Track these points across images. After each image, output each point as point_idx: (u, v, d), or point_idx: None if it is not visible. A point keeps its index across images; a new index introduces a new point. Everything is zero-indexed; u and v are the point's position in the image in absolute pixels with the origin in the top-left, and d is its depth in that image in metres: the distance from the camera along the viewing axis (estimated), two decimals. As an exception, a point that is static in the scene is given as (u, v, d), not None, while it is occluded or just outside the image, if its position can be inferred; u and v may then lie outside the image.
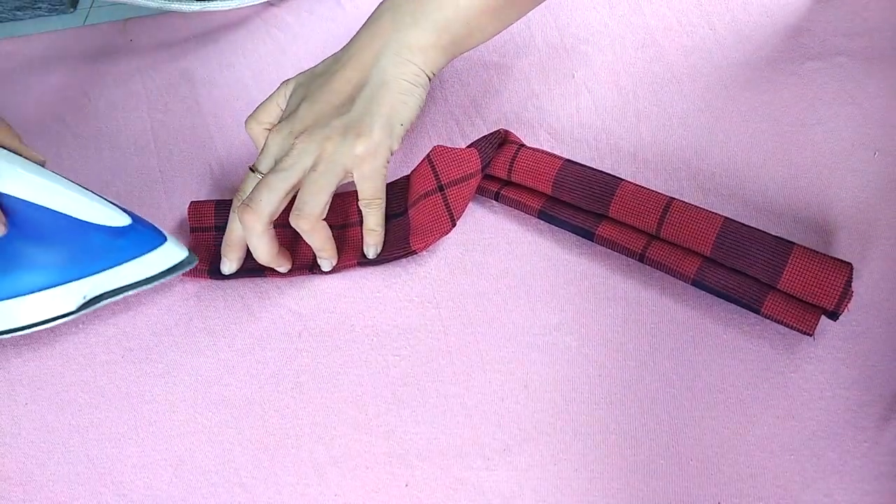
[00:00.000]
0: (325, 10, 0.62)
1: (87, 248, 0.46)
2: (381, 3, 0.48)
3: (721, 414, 0.42)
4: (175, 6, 0.61)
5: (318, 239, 0.47)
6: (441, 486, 0.42)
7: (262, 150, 0.48)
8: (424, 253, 0.49)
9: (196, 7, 0.61)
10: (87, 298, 0.47)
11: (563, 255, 0.48)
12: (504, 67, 0.57)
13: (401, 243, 0.49)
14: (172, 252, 0.48)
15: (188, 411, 0.46)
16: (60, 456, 0.45)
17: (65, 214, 0.44)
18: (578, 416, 0.43)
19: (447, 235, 0.49)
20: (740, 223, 0.44)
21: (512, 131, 0.52)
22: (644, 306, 0.46)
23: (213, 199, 0.53)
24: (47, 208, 0.43)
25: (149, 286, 0.48)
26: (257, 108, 0.50)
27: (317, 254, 0.48)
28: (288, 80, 0.50)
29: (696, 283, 0.44)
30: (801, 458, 0.41)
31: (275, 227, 0.47)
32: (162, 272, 0.48)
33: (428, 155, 0.49)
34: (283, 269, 0.49)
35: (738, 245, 0.43)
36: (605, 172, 0.48)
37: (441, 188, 0.48)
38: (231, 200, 0.50)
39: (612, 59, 0.56)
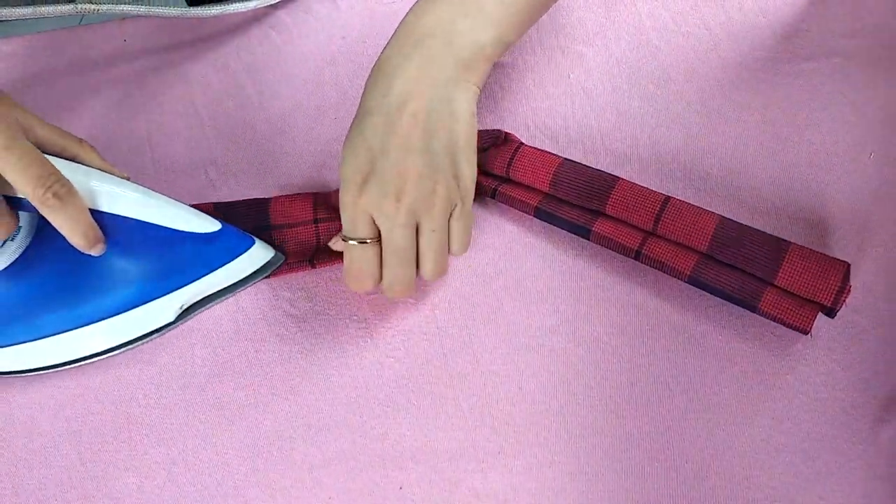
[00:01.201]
0: (321, 10, 0.62)
1: (182, 257, 0.46)
2: (409, 25, 0.43)
3: (715, 416, 0.42)
4: (160, 11, 0.60)
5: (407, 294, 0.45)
6: (435, 489, 0.42)
7: (352, 220, 0.43)
8: (419, 254, 0.49)
9: (215, 10, 0.60)
10: (185, 307, 0.47)
11: (558, 257, 0.48)
12: (500, 68, 0.57)
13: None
14: (260, 253, 0.48)
15: (181, 414, 0.46)
16: (53, 459, 0.45)
17: (159, 226, 0.44)
18: (573, 419, 0.43)
19: None
20: (737, 221, 0.44)
21: (510, 131, 0.52)
22: (639, 309, 0.46)
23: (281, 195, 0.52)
24: (142, 221, 0.43)
25: (241, 290, 0.48)
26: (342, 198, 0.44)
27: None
28: (346, 148, 0.44)
29: (693, 281, 0.44)
30: (796, 459, 0.40)
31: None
32: (252, 274, 0.48)
33: None
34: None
35: (734, 242, 0.43)
36: (603, 171, 0.48)
37: None
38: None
39: (607, 60, 0.56)
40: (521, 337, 0.46)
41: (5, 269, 0.44)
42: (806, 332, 0.42)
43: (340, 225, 0.50)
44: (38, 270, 0.45)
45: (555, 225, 0.48)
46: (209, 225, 0.46)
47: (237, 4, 0.60)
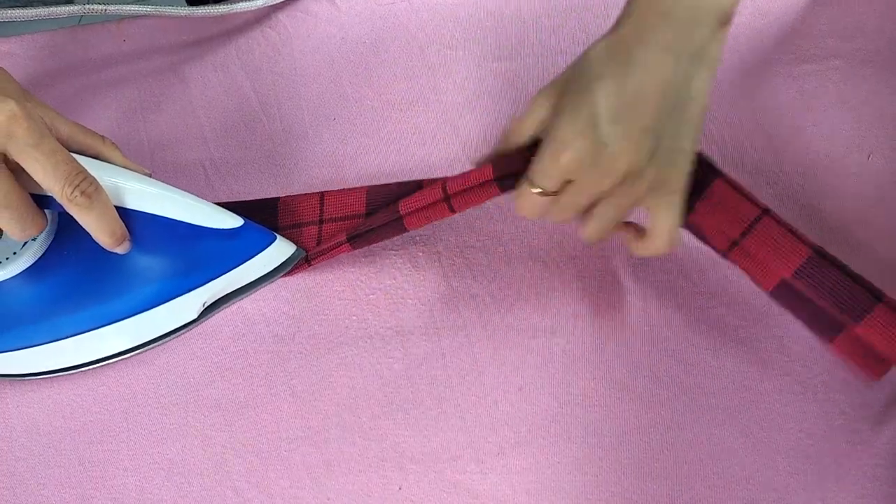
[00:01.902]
0: (319, 11, 0.62)
1: (205, 253, 0.46)
2: None
3: (715, 417, 0.42)
4: (167, 11, 0.60)
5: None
6: (435, 490, 0.42)
7: (554, 164, 0.40)
8: (419, 254, 0.49)
9: (221, 10, 0.60)
10: (207, 304, 0.47)
11: (557, 257, 0.48)
12: (498, 69, 0.57)
13: (391, 213, 0.47)
14: (282, 249, 0.48)
15: (180, 414, 0.46)
16: (52, 459, 0.45)
17: (181, 222, 0.44)
18: (572, 419, 0.43)
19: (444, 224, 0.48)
20: (829, 258, 0.41)
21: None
22: (638, 309, 0.46)
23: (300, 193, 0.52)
24: (164, 217, 0.43)
25: (262, 286, 0.48)
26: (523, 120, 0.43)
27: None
28: (547, 87, 0.42)
29: (772, 296, 0.42)
30: (796, 460, 0.40)
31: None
32: (274, 270, 0.48)
33: (443, 183, 0.47)
34: None
35: (820, 281, 0.41)
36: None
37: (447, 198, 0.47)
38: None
39: (606, 61, 0.56)
40: (520, 338, 0.46)
41: (27, 268, 0.44)
42: (874, 380, 0.40)
43: (345, 226, 0.50)
44: (60, 270, 0.45)
45: None
46: (231, 221, 0.46)
47: (243, 3, 0.60)
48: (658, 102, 0.39)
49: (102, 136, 0.44)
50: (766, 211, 0.42)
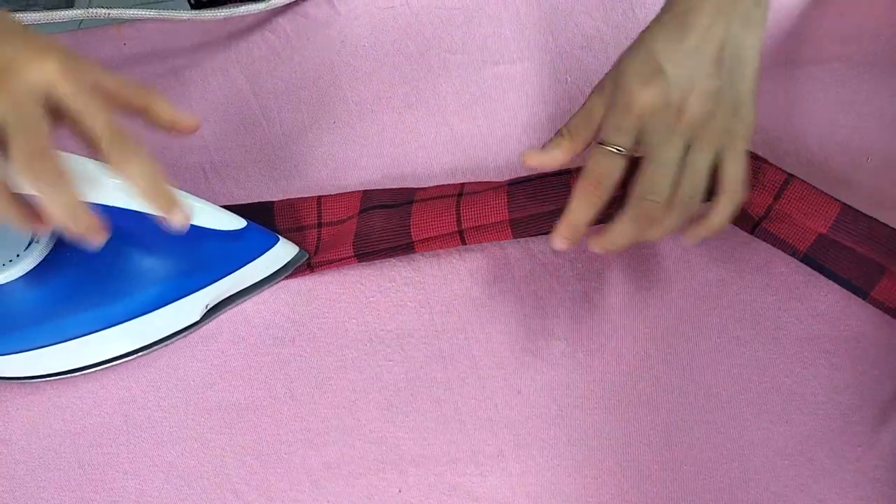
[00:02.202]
0: (319, 14, 0.62)
1: (208, 254, 0.46)
2: None
3: (714, 419, 0.42)
4: (170, 14, 0.61)
5: (672, 230, 0.42)
6: (434, 493, 0.42)
7: (626, 113, 0.40)
8: (418, 257, 0.49)
9: (224, 13, 0.61)
10: (210, 306, 0.47)
11: (555, 260, 0.48)
12: (497, 72, 0.57)
13: (403, 237, 0.47)
14: (285, 250, 0.48)
15: (180, 417, 0.46)
16: (51, 462, 0.45)
17: None
18: (572, 422, 0.43)
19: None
20: (858, 212, 0.43)
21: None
22: (637, 312, 0.46)
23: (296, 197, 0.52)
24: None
25: (265, 288, 0.48)
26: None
27: (656, 232, 0.42)
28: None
29: (806, 259, 0.44)
30: (795, 462, 0.40)
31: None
32: (277, 271, 0.48)
33: (458, 209, 0.47)
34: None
35: (856, 228, 0.43)
36: (550, 174, 0.46)
37: (460, 195, 0.48)
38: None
39: (605, 64, 0.56)
40: (519, 340, 0.46)
41: (30, 271, 0.44)
42: None
43: (343, 230, 0.50)
44: (63, 272, 0.45)
45: None
46: (234, 222, 0.46)
47: (245, 7, 0.60)
48: (715, 57, 0.40)
49: (148, 90, 0.42)
50: (791, 175, 0.44)
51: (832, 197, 0.44)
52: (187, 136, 0.42)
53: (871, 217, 0.43)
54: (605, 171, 0.41)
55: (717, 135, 0.40)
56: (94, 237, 0.38)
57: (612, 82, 0.42)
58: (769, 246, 0.46)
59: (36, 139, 0.37)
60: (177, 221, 0.40)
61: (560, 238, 0.42)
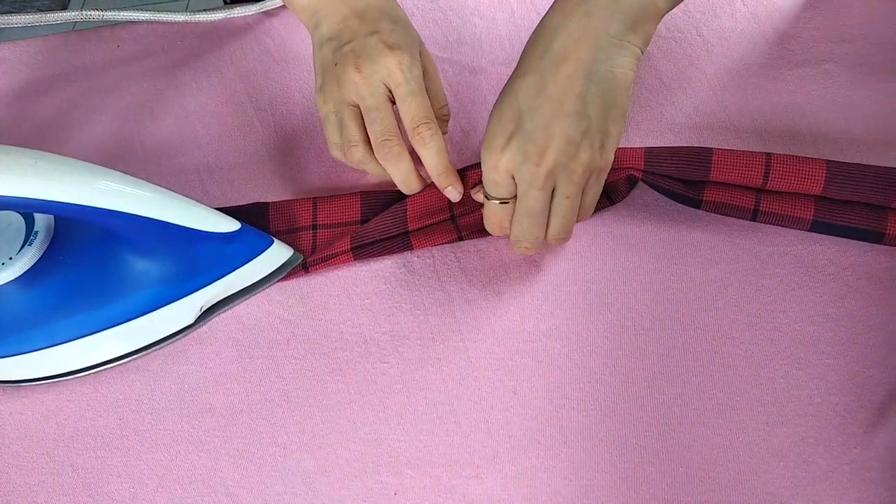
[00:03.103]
0: (313, 16, 0.62)
1: (202, 257, 0.46)
2: None
3: (710, 420, 0.42)
4: (164, 16, 0.60)
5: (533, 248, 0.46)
6: (430, 495, 0.42)
7: (492, 173, 0.43)
8: (413, 258, 0.49)
9: (220, 15, 0.60)
10: (204, 309, 0.47)
11: (551, 260, 0.48)
12: (493, 73, 0.57)
13: (401, 231, 0.48)
14: (279, 252, 0.48)
15: (174, 419, 0.45)
16: (45, 465, 0.45)
17: (178, 225, 0.43)
18: (568, 423, 0.43)
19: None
20: (843, 162, 0.44)
21: None
22: (633, 312, 0.46)
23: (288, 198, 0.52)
24: (161, 221, 0.43)
25: (260, 290, 0.48)
26: (486, 144, 0.44)
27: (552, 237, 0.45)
28: (496, 105, 0.43)
29: (816, 226, 0.45)
30: (790, 464, 0.40)
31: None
32: (272, 273, 0.48)
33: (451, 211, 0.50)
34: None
35: (849, 178, 0.44)
36: (693, 146, 0.47)
37: (453, 217, 0.49)
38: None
39: (600, 66, 0.56)
40: (515, 341, 0.46)
41: (24, 273, 0.44)
42: None
43: (341, 233, 0.50)
44: (57, 274, 0.45)
45: (662, 194, 0.48)
46: (228, 224, 0.45)
47: (239, 9, 0.60)
48: (581, 96, 0.41)
49: (443, 104, 0.51)
50: (768, 154, 0.45)
51: (815, 158, 0.44)
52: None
53: (859, 164, 0.44)
54: (499, 217, 0.45)
55: (581, 174, 0.42)
56: (452, 188, 0.47)
57: (485, 134, 0.44)
58: (766, 246, 0.47)
59: (381, 123, 0.46)
60: (450, 195, 0.48)
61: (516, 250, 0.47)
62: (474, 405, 0.44)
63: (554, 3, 0.43)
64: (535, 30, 0.43)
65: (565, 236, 0.45)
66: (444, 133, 0.52)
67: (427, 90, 0.49)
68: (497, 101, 0.43)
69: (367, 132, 0.47)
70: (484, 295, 0.47)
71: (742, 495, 0.40)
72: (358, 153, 0.47)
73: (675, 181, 0.47)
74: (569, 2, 0.42)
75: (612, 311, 0.46)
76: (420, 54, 0.49)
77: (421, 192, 0.49)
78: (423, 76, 0.49)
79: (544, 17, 0.43)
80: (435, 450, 0.43)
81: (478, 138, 0.54)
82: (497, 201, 0.44)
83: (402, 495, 0.42)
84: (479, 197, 0.47)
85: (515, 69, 0.43)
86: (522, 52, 0.43)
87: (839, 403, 0.42)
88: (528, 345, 0.45)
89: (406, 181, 0.48)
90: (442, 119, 0.51)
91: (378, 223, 0.48)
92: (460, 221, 0.49)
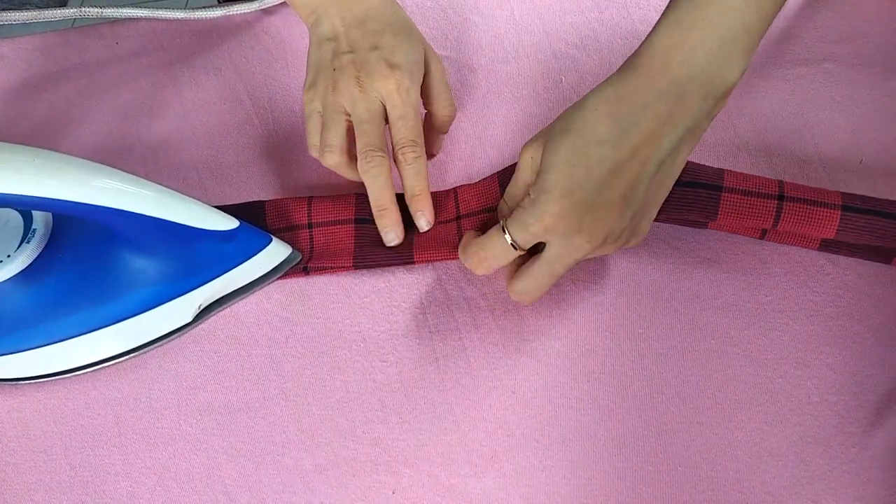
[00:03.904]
0: (313, 14, 0.62)
1: (201, 255, 0.45)
2: (658, 56, 0.39)
3: (709, 419, 0.42)
4: (163, 13, 0.60)
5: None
6: (428, 494, 0.42)
7: (538, 223, 0.40)
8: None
9: (219, 12, 0.60)
10: (203, 307, 0.47)
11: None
12: (492, 72, 0.57)
13: (404, 251, 0.48)
14: (278, 251, 0.48)
15: (172, 418, 0.45)
16: (42, 464, 0.45)
17: (176, 223, 0.43)
18: (566, 423, 0.43)
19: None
20: (857, 211, 0.43)
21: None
22: (632, 312, 0.46)
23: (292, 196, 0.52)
24: (159, 219, 0.42)
25: (258, 289, 0.48)
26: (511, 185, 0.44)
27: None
28: (530, 144, 0.42)
29: (823, 250, 0.46)
30: (789, 463, 0.40)
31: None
32: (270, 272, 0.48)
33: (454, 190, 0.50)
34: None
35: (863, 223, 0.43)
36: (698, 184, 0.44)
37: (458, 217, 0.49)
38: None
39: (599, 64, 0.56)
40: (513, 340, 0.46)
41: (21, 271, 0.44)
42: None
43: (337, 231, 0.49)
44: (55, 273, 0.45)
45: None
46: (227, 222, 0.45)
47: (238, 6, 0.60)
48: (647, 172, 0.39)
49: (448, 106, 0.50)
50: (781, 197, 0.43)
51: (831, 204, 0.43)
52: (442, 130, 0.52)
53: (872, 206, 0.43)
54: (494, 254, 0.43)
55: (610, 248, 0.42)
56: (386, 231, 0.48)
57: (541, 158, 0.41)
58: (765, 245, 0.46)
59: (370, 136, 0.47)
60: (418, 223, 0.48)
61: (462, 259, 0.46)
62: (473, 404, 0.44)
63: (634, 58, 0.40)
64: (612, 89, 0.40)
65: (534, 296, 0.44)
66: (444, 132, 0.52)
67: (431, 94, 0.50)
68: (565, 147, 0.39)
69: (348, 140, 0.48)
70: (482, 294, 0.47)
71: (740, 494, 0.40)
72: (334, 159, 0.48)
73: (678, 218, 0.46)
74: (656, 76, 0.38)
75: (610, 310, 0.46)
76: (426, 57, 0.49)
77: (430, 231, 0.49)
78: (429, 79, 0.49)
79: (622, 73, 0.40)
80: (433, 449, 0.43)
81: (476, 136, 0.54)
82: (512, 242, 0.42)
83: (400, 494, 0.42)
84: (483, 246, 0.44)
85: (589, 127, 0.39)
86: (586, 110, 0.40)
87: (838, 403, 0.42)
88: (526, 344, 0.45)
89: (380, 196, 0.47)
90: (445, 119, 0.51)
91: (383, 255, 0.48)
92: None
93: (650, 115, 0.38)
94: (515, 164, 0.44)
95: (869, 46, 0.54)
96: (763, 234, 0.46)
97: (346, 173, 0.49)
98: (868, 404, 0.41)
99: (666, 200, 0.43)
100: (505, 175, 0.49)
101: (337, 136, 0.47)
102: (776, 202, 0.43)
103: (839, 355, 0.43)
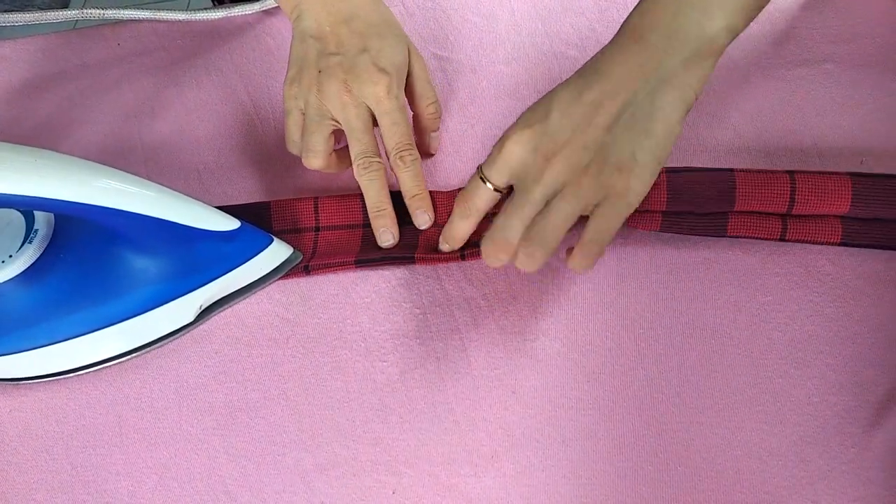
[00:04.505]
0: (314, 15, 0.62)
1: (202, 255, 0.46)
2: (632, 22, 0.42)
3: (708, 419, 0.42)
4: (165, 15, 0.60)
5: (535, 265, 0.42)
6: (428, 494, 0.42)
7: (499, 154, 0.42)
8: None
9: (220, 14, 0.61)
10: (204, 307, 0.47)
11: (550, 260, 0.48)
12: (492, 72, 0.57)
13: (406, 251, 0.49)
14: (279, 251, 0.48)
15: (173, 418, 0.45)
16: (44, 463, 0.45)
17: (178, 224, 0.43)
18: (566, 422, 0.43)
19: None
20: (869, 176, 0.44)
21: None
22: (632, 312, 0.46)
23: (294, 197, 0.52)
24: (161, 219, 0.43)
25: (259, 289, 0.48)
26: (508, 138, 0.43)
27: (520, 263, 0.43)
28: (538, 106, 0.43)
29: (844, 244, 0.45)
30: (789, 463, 0.40)
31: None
32: (271, 272, 0.48)
33: (457, 191, 0.49)
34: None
35: (875, 193, 0.43)
36: (714, 169, 0.45)
37: None
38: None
39: (600, 65, 0.56)
40: (513, 340, 0.46)
41: (23, 271, 0.44)
42: None
43: (343, 236, 0.50)
44: (57, 273, 0.45)
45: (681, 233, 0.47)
46: (228, 223, 0.46)
47: (240, 7, 0.60)
48: (612, 115, 0.40)
49: (432, 103, 0.51)
50: (791, 173, 0.44)
51: (840, 174, 0.44)
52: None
53: (884, 176, 0.44)
54: (474, 197, 0.45)
55: (591, 189, 0.40)
56: (383, 231, 0.49)
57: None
58: (765, 245, 0.46)
59: (366, 143, 0.48)
60: (418, 221, 0.49)
61: (442, 242, 0.48)
62: (473, 404, 0.44)
63: (613, 37, 0.42)
64: (590, 60, 0.42)
65: (544, 248, 0.41)
66: (435, 130, 0.52)
67: (415, 94, 0.50)
68: (537, 101, 0.43)
69: (331, 144, 0.49)
70: (483, 294, 0.47)
71: (740, 494, 0.40)
72: (318, 163, 0.49)
73: (697, 218, 0.46)
74: (624, 35, 0.41)
75: (610, 310, 0.46)
76: (410, 56, 0.50)
77: (431, 231, 0.49)
78: (412, 78, 0.50)
79: (601, 49, 0.42)
80: (433, 449, 0.43)
81: (477, 137, 0.54)
82: (491, 186, 0.43)
83: (400, 494, 0.42)
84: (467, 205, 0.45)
85: (560, 88, 0.42)
86: (572, 76, 0.43)
87: (838, 403, 0.42)
88: (526, 344, 0.45)
89: (378, 199, 0.48)
90: (431, 117, 0.51)
91: (385, 254, 0.49)
92: (466, 252, 0.48)
93: (614, 63, 0.41)
94: None
95: (869, 47, 0.54)
96: (783, 232, 0.45)
97: (328, 171, 0.50)
98: (868, 404, 0.41)
99: (683, 187, 0.44)
100: None
101: (321, 141, 0.48)
102: (788, 176, 0.44)
103: (839, 355, 0.43)
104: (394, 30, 0.50)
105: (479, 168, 0.44)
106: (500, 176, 0.43)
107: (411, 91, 0.51)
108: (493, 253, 0.43)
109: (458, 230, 0.46)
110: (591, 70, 0.41)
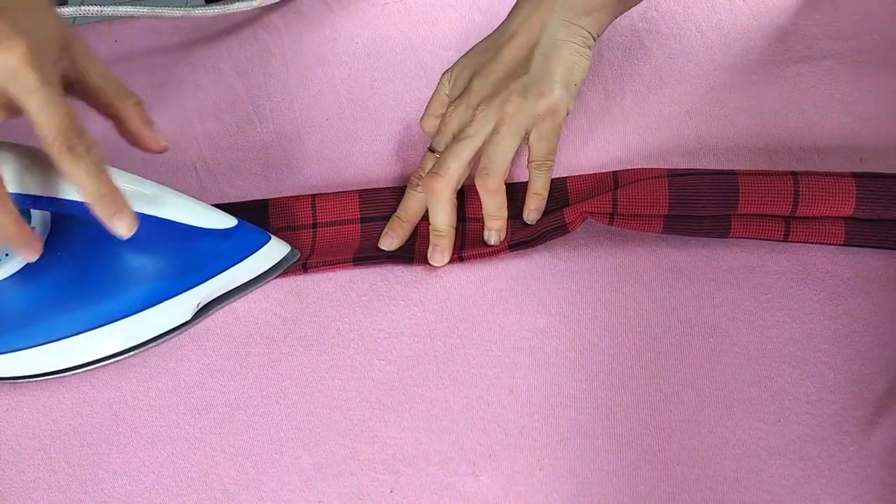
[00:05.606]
0: (312, 12, 0.62)
1: (199, 253, 0.46)
2: None
3: (707, 418, 0.42)
4: (162, 12, 0.60)
5: (495, 203, 0.47)
6: (426, 492, 0.42)
7: (439, 130, 0.49)
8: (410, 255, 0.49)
9: (217, 10, 0.60)
10: (201, 305, 0.47)
11: (549, 258, 0.48)
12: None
13: (404, 250, 0.49)
14: (277, 249, 0.48)
15: (171, 416, 0.45)
16: (41, 462, 0.45)
17: (175, 222, 0.43)
18: (564, 421, 0.43)
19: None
20: (873, 177, 0.44)
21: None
22: (630, 310, 0.46)
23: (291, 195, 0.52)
24: (158, 218, 0.42)
25: (256, 287, 0.48)
26: (427, 106, 0.51)
27: (486, 219, 0.48)
28: (448, 69, 0.50)
29: (848, 245, 0.45)
30: (788, 462, 0.40)
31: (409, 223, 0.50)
32: (268, 270, 0.48)
33: (459, 191, 0.49)
34: (445, 252, 0.48)
35: (879, 198, 0.43)
36: (716, 171, 0.46)
37: (464, 220, 0.50)
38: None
39: (598, 62, 0.56)
40: (512, 339, 0.45)
41: (19, 270, 0.44)
42: None
43: (340, 231, 0.50)
44: (53, 271, 0.45)
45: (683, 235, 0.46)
46: (225, 221, 0.45)
47: (239, 4, 0.60)
48: (528, 52, 0.47)
49: (133, 97, 0.42)
50: (794, 174, 0.44)
51: (843, 175, 0.44)
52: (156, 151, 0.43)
53: (887, 176, 0.44)
54: (424, 165, 0.49)
55: (513, 114, 0.46)
56: (123, 222, 0.39)
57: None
58: (764, 244, 0.46)
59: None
60: (118, 230, 0.39)
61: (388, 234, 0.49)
62: (471, 403, 0.44)
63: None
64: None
65: (493, 176, 0.46)
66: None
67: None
68: (454, 64, 0.50)
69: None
70: (481, 292, 0.47)
71: (739, 493, 0.40)
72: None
73: (699, 220, 0.45)
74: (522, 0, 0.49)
75: (608, 308, 0.46)
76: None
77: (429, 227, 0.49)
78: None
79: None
80: (431, 447, 0.43)
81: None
82: (436, 153, 0.48)
83: (398, 493, 0.42)
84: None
85: (477, 47, 0.50)
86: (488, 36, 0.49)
87: (836, 401, 0.42)
88: (525, 342, 0.45)
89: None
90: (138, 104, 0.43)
91: (383, 253, 0.49)
92: (465, 253, 0.48)
93: (514, 20, 0.48)
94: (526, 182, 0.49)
95: (869, 44, 0.53)
96: (786, 234, 0.45)
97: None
98: (867, 403, 0.41)
99: (686, 189, 0.44)
100: (513, 182, 0.49)
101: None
102: (792, 178, 0.44)
103: (838, 354, 0.43)
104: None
105: (429, 148, 0.49)
106: (444, 142, 0.48)
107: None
108: (438, 189, 0.47)
109: (412, 210, 0.49)
110: (500, 33, 0.49)
